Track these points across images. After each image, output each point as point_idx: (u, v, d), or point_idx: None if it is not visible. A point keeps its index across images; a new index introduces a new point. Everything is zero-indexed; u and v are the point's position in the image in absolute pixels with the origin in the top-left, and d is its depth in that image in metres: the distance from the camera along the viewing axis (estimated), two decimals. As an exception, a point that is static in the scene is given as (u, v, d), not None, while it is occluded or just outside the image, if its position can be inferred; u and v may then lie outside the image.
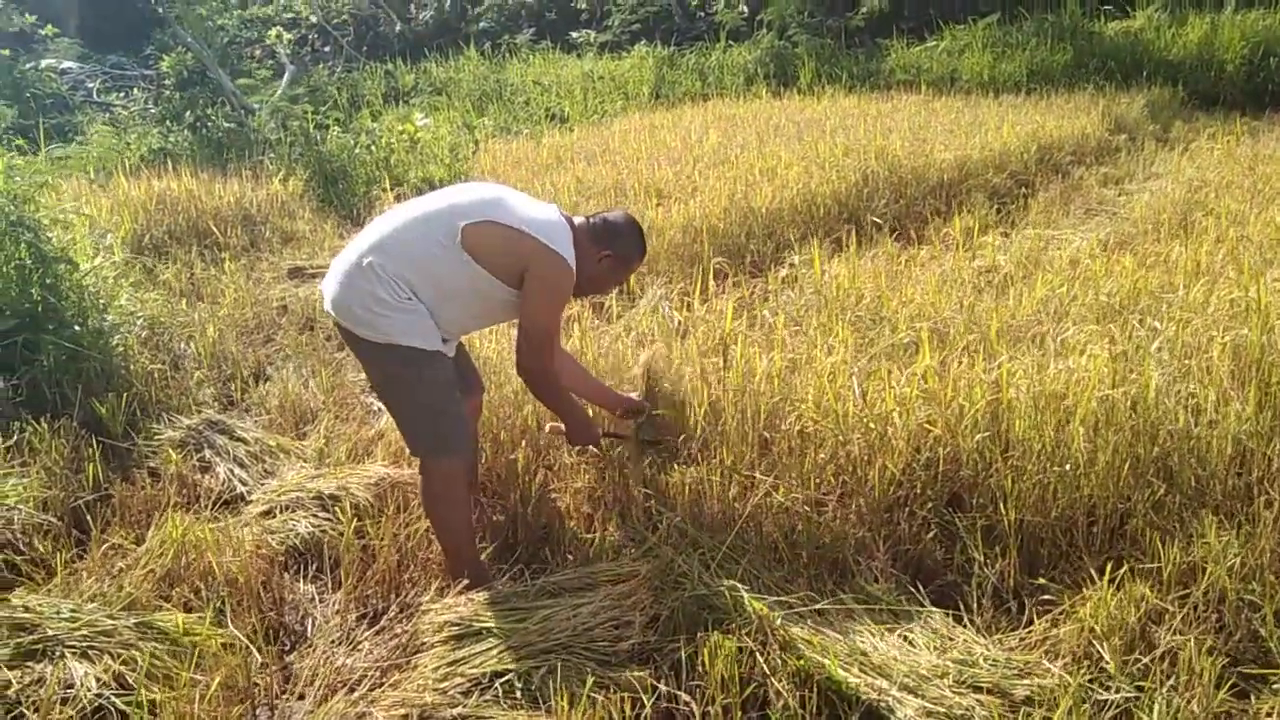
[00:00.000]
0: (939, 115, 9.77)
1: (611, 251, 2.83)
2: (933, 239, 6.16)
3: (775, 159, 7.47)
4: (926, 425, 2.86)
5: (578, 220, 2.84)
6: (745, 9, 15.88)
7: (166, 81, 12.78)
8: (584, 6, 17.32)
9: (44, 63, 13.43)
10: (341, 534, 3.02)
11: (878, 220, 5.77)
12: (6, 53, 12.55)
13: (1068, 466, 2.74)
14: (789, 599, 2.37)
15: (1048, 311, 3.81)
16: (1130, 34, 13.40)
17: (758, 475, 2.84)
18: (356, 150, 9.39)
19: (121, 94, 13.82)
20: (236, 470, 3.58)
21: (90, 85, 13.97)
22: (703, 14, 16.60)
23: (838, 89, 12.71)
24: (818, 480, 2.82)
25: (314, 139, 9.33)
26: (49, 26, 14.06)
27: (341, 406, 4.13)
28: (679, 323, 3.94)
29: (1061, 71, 12.58)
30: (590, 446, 3.07)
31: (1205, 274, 4.01)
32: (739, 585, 2.35)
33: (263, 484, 3.52)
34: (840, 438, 2.82)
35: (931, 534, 2.77)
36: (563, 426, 3.03)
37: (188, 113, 11.47)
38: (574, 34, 16.67)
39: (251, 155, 9.34)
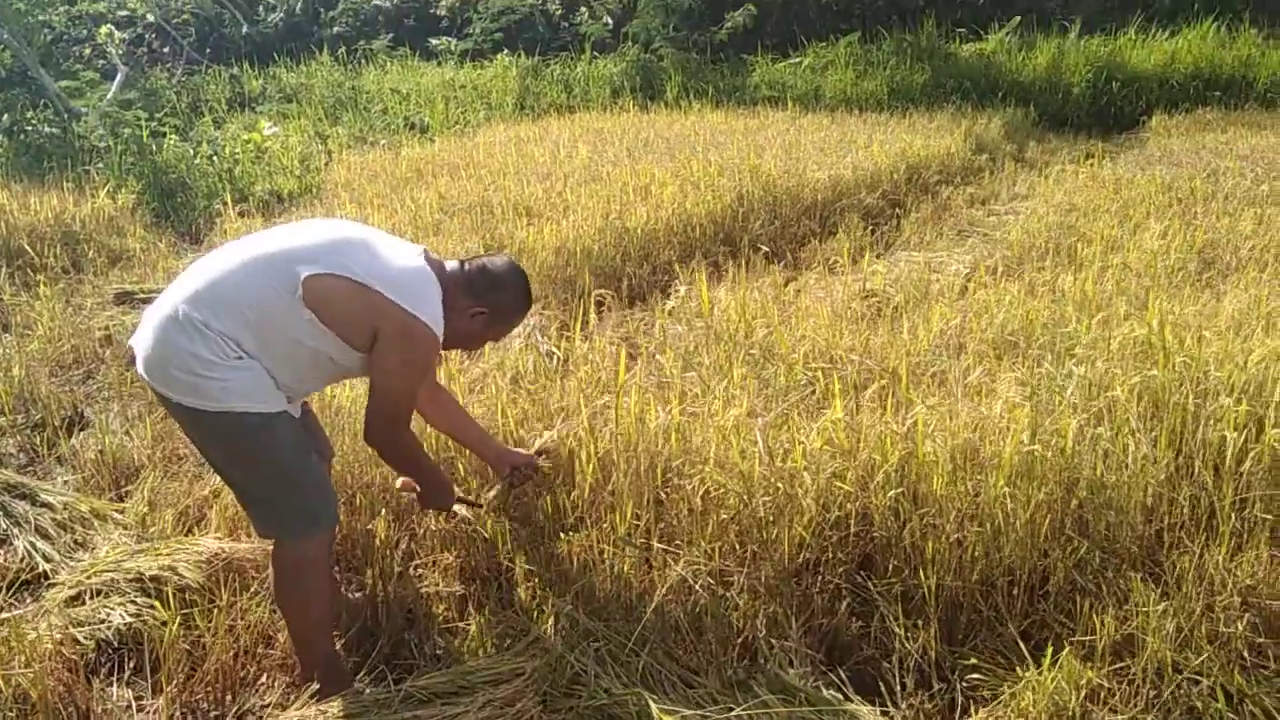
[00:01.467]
0: (808, 133, 9.73)
1: (487, 307, 2.44)
2: (811, 261, 6.01)
3: (649, 177, 7.21)
4: (836, 482, 2.60)
5: (450, 266, 2.44)
6: (609, 21, 15.67)
7: (-20, 81, 11.64)
8: (444, 13, 16.77)
9: None
10: (165, 625, 2.56)
11: (763, 247, 5.56)
12: None
13: (988, 526, 2.52)
14: (704, 712, 2.04)
15: (944, 345, 3.64)
16: (984, 56, 13.82)
17: (655, 544, 2.53)
18: (197, 160, 8.68)
19: (-72, 93, 12.51)
20: (39, 544, 3.04)
21: (-109, 83, 12.57)
22: (567, 24, 16.30)
23: (705, 104, 12.61)
24: (721, 546, 2.53)
25: (148, 148, 8.57)
26: None
27: (170, 460, 3.60)
28: (556, 359, 3.59)
29: (921, 91, 12.84)
30: (449, 511, 2.73)
31: (1094, 304, 3.93)
32: (644, 693, 2.02)
33: (71, 560, 2.99)
34: (745, 499, 2.53)
35: (845, 603, 2.51)
36: (416, 486, 2.65)
37: (4, 116, 10.44)
38: (434, 40, 16.09)
39: (76, 165, 8.50)
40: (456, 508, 2.74)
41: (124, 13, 14.56)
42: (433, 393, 2.76)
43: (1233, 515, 2.64)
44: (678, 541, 2.55)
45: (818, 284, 4.83)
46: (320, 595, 2.35)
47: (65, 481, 3.53)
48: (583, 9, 15.88)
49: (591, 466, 2.77)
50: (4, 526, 3.12)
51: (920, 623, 2.44)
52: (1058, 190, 6.97)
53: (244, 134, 9.57)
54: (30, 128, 9.92)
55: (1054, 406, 2.81)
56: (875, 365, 3.39)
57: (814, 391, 3.19)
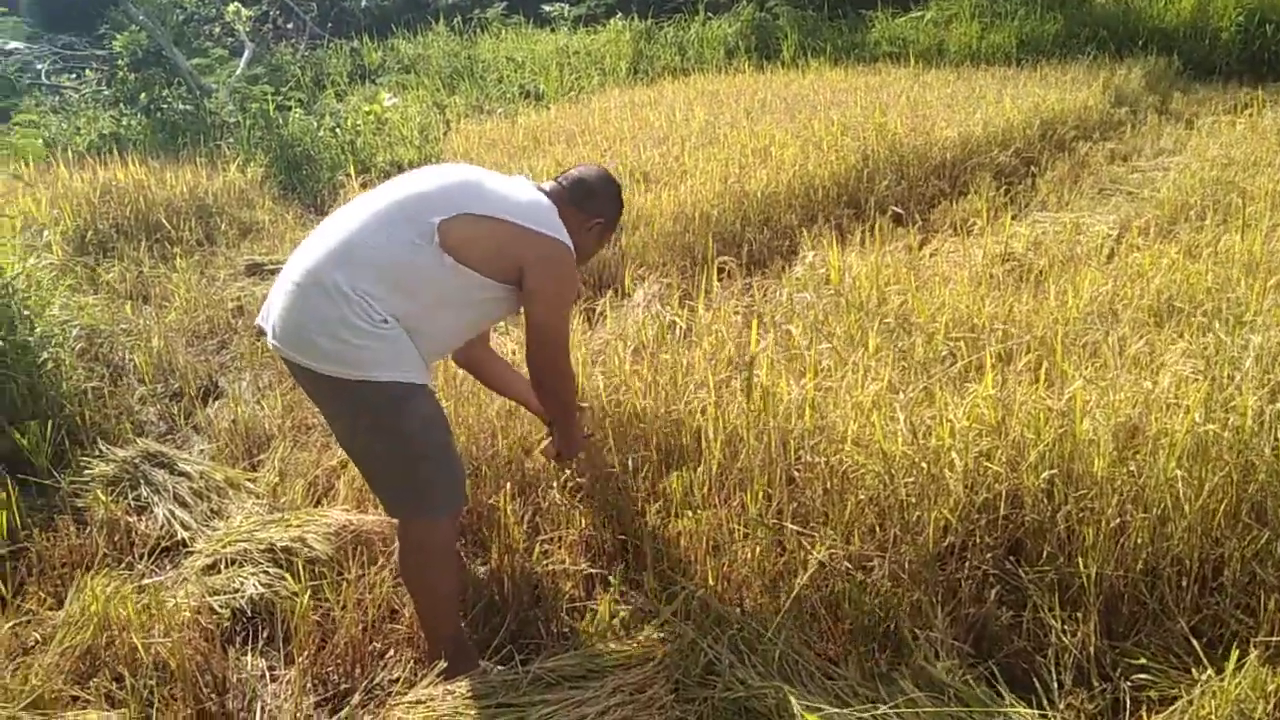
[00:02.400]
0: (933, 89, 9.32)
1: (602, 216, 2.55)
2: (941, 224, 5.74)
3: (768, 138, 7.00)
4: (984, 461, 2.42)
5: (548, 187, 2.51)
6: (724, -20, 15.32)
7: (120, 62, 12.11)
8: (557, -21, 16.69)
9: (-12, 43, 12.67)
10: (296, 596, 2.57)
11: (897, 209, 5.32)
12: (-55, 33, 11.83)
13: (1154, 512, 2.32)
14: (848, 710, 1.92)
15: (1096, 312, 3.39)
16: (1122, 2, 12.99)
17: (788, 525, 2.40)
18: (320, 133, 8.83)
19: (73, 75, 13.10)
20: (178, 512, 3.11)
21: (39, 66, 13.22)
22: (680, -15, 16.02)
23: (823, 62, 12.22)
24: (859, 529, 2.39)
25: (275, 121, 8.76)
26: (-5, 6, 13.35)
27: (299, 430, 3.65)
28: (678, 328, 3.48)
29: (1053, 41, 12.16)
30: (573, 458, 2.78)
31: (1265, 267, 3.60)
32: (783, 685, 1.91)
33: (208, 527, 3.05)
34: (886, 479, 2.38)
35: (994, 591, 2.35)
36: (552, 445, 2.67)
37: (142, 95, 10.84)
38: (547, 7, 16.03)
39: (208, 140, 8.77)
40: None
41: (250, -10, 14.96)
42: (483, 350, 2.82)
43: None
44: (812, 524, 2.42)
45: (952, 247, 4.58)
46: (446, 575, 2.30)
47: (201, 450, 3.60)
48: (696, -32, 15.56)
49: (719, 442, 2.66)
50: (146, 494, 3.20)
51: (1079, 615, 2.25)
52: (1211, 143, 6.47)
53: (365, 106, 9.70)
54: (166, 105, 10.28)
55: (1228, 380, 2.55)
56: (1022, 335, 3.17)
57: (956, 364, 3.00)
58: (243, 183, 7.56)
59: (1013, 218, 5.83)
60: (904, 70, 11.14)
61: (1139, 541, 2.34)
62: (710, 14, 14.78)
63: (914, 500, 2.39)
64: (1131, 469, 2.38)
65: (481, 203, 2.24)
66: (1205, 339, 2.98)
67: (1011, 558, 2.44)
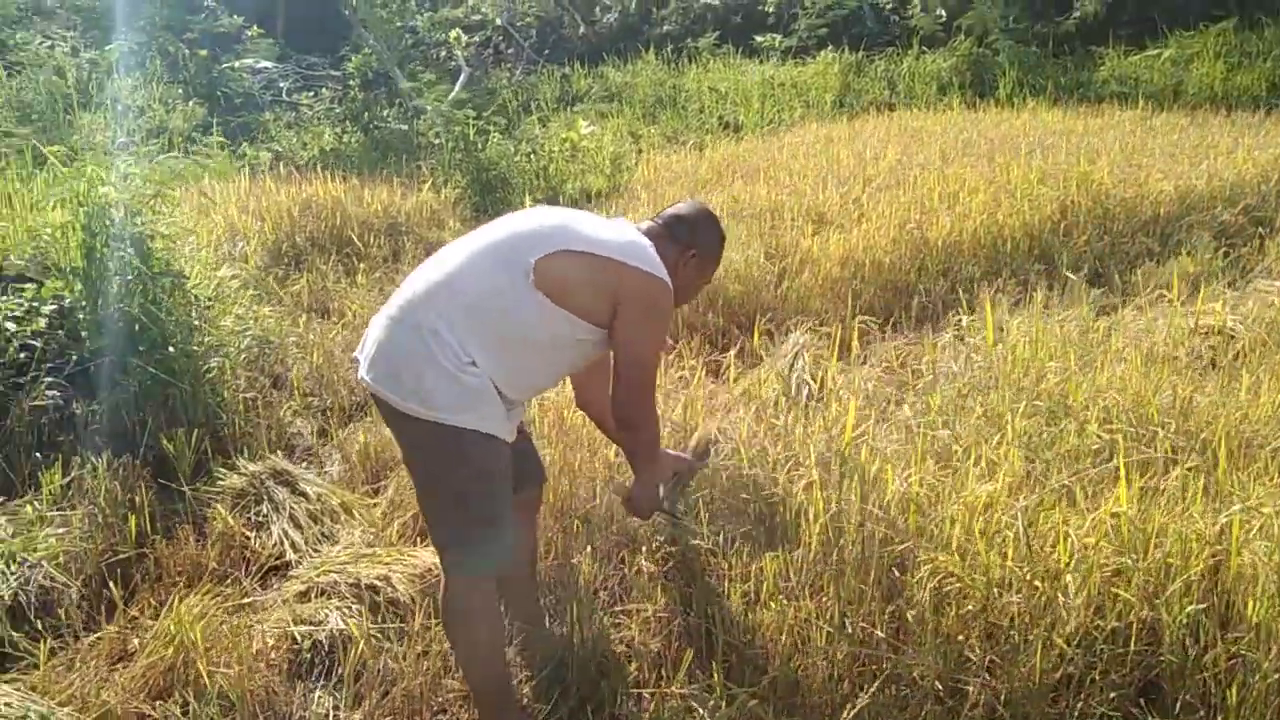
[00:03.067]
0: (1158, 135, 8.55)
1: (696, 248, 2.45)
2: (1140, 288, 5.19)
3: (959, 183, 6.61)
4: (1113, 586, 2.09)
5: (644, 226, 2.45)
6: (943, 13, 14.74)
7: (351, 82, 12.98)
8: (770, 9, 16.59)
9: (241, 62, 13.88)
10: (377, 634, 2.55)
11: (1084, 268, 4.86)
12: (204, 53, 13.05)
13: (1324, 670, 1.92)
14: None
15: (1294, 412, 2.92)
16: (1403, 43, 11.55)
17: (877, 634, 2.15)
18: (517, 158, 9.09)
19: (311, 94, 14.15)
20: (290, 532, 3.18)
21: (282, 85, 14.37)
22: (896, 18, 15.55)
23: (1041, 101, 11.49)
24: (957, 650, 2.11)
25: (474, 145, 9.09)
26: (254, 28, 14.63)
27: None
28: (809, 390, 3.26)
29: (1312, 85, 10.94)
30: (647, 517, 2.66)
31: None
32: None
33: (316, 551, 3.10)
34: (988, 597, 2.09)
35: (1113, 741, 2.02)
36: (628, 487, 2.57)
37: (366, 114, 11.56)
38: (759, 38, 15.95)
39: (413, 160, 9.20)
40: (658, 517, 2.66)
41: (476, 17, 15.71)
42: (600, 377, 2.60)
43: None
44: (903, 636, 2.16)
45: (1140, 316, 4.11)
46: (484, 633, 2.22)
47: (326, 471, 3.69)
48: (914, 1, 15.07)
49: (820, 526, 2.44)
50: (266, 511, 3.30)
51: (1214, 785, 1.90)
52: None
53: (563, 132, 9.92)
54: (383, 124, 10.90)
55: None
56: (1195, 432, 2.76)
57: (1109, 460, 2.64)
58: (435, 203, 7.86)
59: (1229, 284, 5.22)
60: (1130, 113, 10.31)
61: (1303, 704, 1.95)
62: (925, 48, 14.26)
63: (1025, 621, 2.09)
64: (1299, 616, 1.99)
65: (580, 240, 2.21)
66: None
67: (1143, 701, 2.10)
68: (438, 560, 2.79)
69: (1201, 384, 3.15)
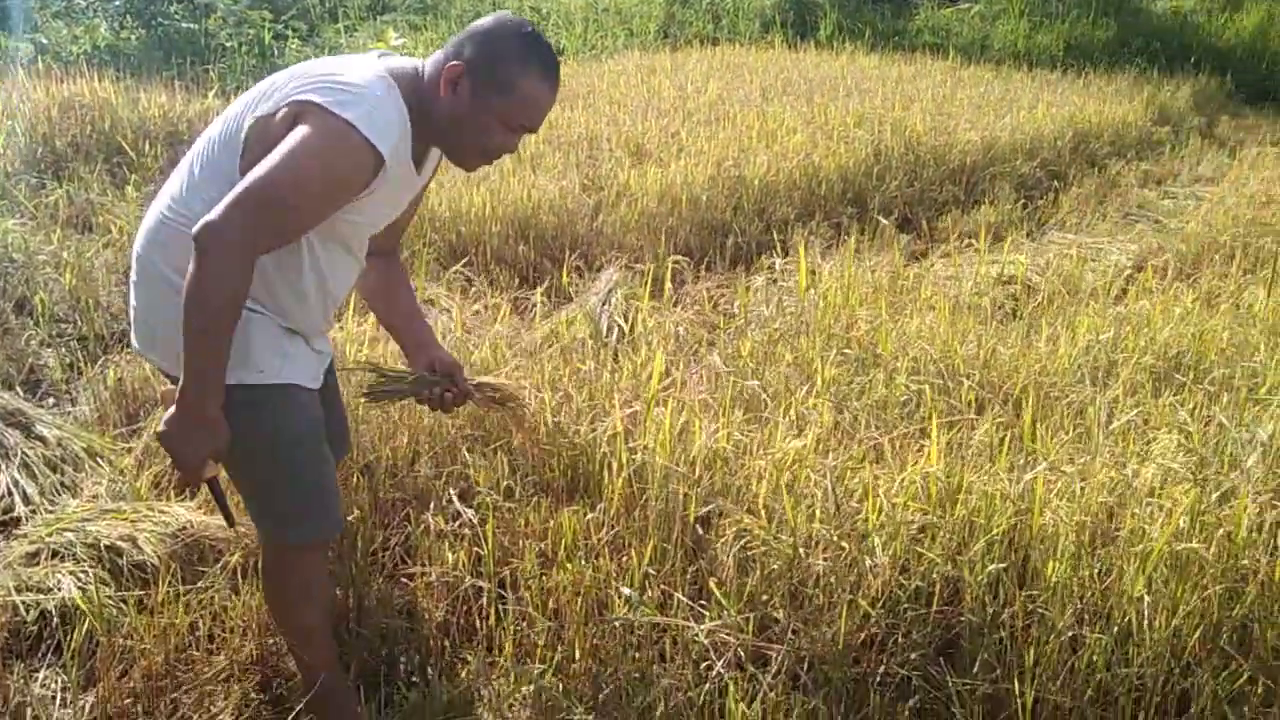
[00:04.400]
0: (966, 87, 8.81)
1: (461, 63, 1.68)
2: (950, 233, 5.30)
3: (778, 121, 6.55)
4: (918, 545, 2.03)
5: (434, 56, 1.75)
6: (769, -51, 14.70)
7: (133, -30, 11.68)
8: (597, -69, 16.09)
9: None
10: (116, 605, 2.22)
11: (894, 213, 4.87)
12: (-47, -78, 11.40)
13: (1114, 629, 1.92)
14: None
15: (1090, 363, 2.97)
16: (1180, 15, 12.38)
17: (678, 596, 2.01)
18: (318, 67, 8.42)
19: (86, -20, 12.66)
20: (22, 482, 2.75)
21: (50, -32, 12.77)
22: (724, -50, 15.41)
23: (859, 45, 11.67)
24: (761, 616, 2.00)
25: (269, 50, 8.35)
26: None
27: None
28: (618, 333, 3.08)
29: (1102, 48, 11.60)
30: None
31: (1290, 330, 3.17)
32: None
33: (53, 504, 2.69)
34: (791, 559, 1.99)
35: (912, 702, 1.96)
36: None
37: (149, 8, 10.42)
38: (583, -41, 15.47)
39: (202, 63, 8.35)
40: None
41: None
42: (382, 260, 2.07)
43: None
44: (701, 602, 2.02)
45: (949, 265, 4.16)
46: (310, 608, 1.93)
47: (72, 412, 3.24)
48: (742, -65, 14.95)
49: (621, 482, 2.27)
50: (-7, 457, 2.85)
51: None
52: (1253, 176, 5.99)
53: (371, 43, 9.26)
54: (167, 21, 9.86)
55: (1223, 479, 2.14)
56: (998, 384, 2.76)
57: (916, 410, 2.59)
58: (222, 110, 7.15)
59: (1027, 235, 5.40)
60: (942, 64, 10.60)
61: (1093, 662, 1.95)
62: (750, -17, 14.20)
63: (831, 582, 2.00)
64: (1093, 573, 1.98)
65: (271, 98, 1.64)
66: (1211, 417, 2.56)
67: (941, 660, 2.05)
68: (197, 517, 2.49)
69: (1004, 335, 3.17)
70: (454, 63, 1.67)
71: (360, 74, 1.63)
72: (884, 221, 4.72)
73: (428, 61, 1.74)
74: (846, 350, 2.89)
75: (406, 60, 1.76)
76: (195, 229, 1.52)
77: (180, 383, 1.59)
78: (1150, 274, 3.86)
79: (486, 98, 1.69)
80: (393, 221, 1.93)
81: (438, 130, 1.74)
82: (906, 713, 1.95)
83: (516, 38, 1.70)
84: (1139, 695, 1.96)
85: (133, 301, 1.79)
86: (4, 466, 2.80)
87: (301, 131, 1.56)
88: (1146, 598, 1.88)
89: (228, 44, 8.95)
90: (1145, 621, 1.93)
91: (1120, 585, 1.95)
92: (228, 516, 1.96)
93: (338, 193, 1.63)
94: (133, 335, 1.84)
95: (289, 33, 8.70)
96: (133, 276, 1.79)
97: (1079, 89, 9.30)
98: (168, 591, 2.15)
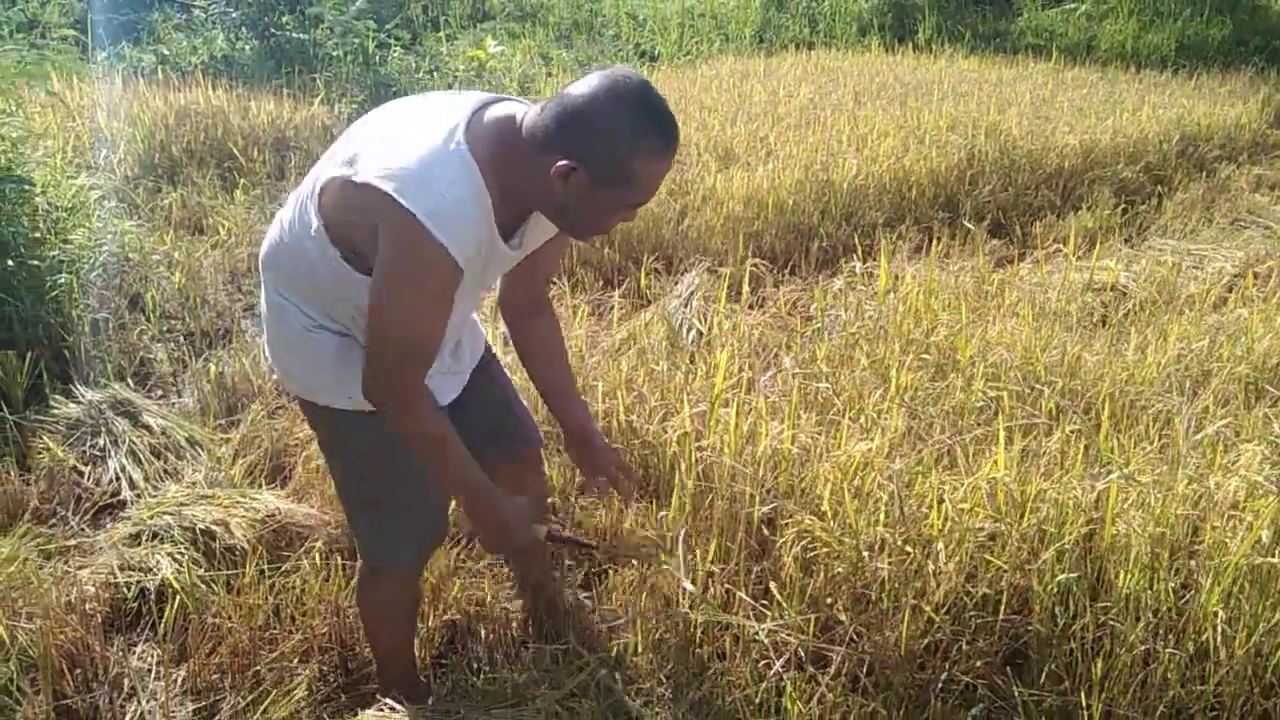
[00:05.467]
0: (1068, 89, 8.57)
1: (572, 158, 1.49)
2: (1043, 239, 5.17)
3: (869, 126, 6.48)
4: (986, 552, 2.01)
5: (531, 115, 1.54)
6: (867, -48, 14.52)
7: (249, -17, 12.18)
8: (695, -63, 16.13)
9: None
10: (206, 585, 2.35)
11: (962, 223, 4.78)
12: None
13: (1189, 645, 1.87)
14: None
15: (1180, 372, 2.88)
16: (1303, 10, 11.80)
17: (740, 595, 2.03)
18: (419, 74, 8.67)
19: (204, -7, 13.25)
20: (130, 468, 2.92)
21: (173, -18, 13.42)
22: (821, -46, 15.29)
23: (959, 48, 11.45)
24: (823, 616, 2.00)
25: (372, 58, 8.62)
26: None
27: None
28: (696, 335, 3.11)
29: (1217, 48, 11.11)
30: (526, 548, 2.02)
31: (1401, 342, 3.02)
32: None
33: (156, 489, 2.85)
34: (856, 562, 1.99)
35: (977, 710, 1.94)
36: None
37: (263, 19, 10.87)
38: (682, -35, 15.53)
39: (310, 72, 8.68)
40: (542, 538, 1.96)
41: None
42: (532, 318, 1.98)
43: None
44: (763, 602, 2.04)
45: (1037, 271, 4.06)
46: (395, 624, 2.00)
47: (176, 403, 3.42)
48: (840, -62, 14.80)
49: (693, 482, 2.30)
50: (104, 444, 3.03)
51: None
52: (1375, 181, 5.68)
53: (470, 50, 9.49)
54: (279, 32, 10.26)
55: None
56: (1080, 392, 2.70)
57: (994, 418, 2.55)
58: (327, 118, 7.42)
59: (1126, 241, 5.23)
60: (1044, 66, 10.32)
61: (1167, 678, 1.90)
62: (848, -14, 14.06)
63: (895, 587, 1.99)
64: (1169, 589, 1.92)
65: (358, 156, 1.53)
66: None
67: (1009, 670, 2.03)
68: (285, 505, 2.61)
69: (1090, 342, 3.09)
70: (563, 162, 1.48)
71: (430, 144, 1.51)
72: (971, 227, 4.62)
73: (526, 121, 1.54)
74: (925, 355, 2.86)
75: (502, 110, 1.58)
76: (363, 392, 1.59)
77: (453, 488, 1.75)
78: (1251, 281, 3.71)
79: (607, 192, 1.53)
80: (530, 271, 1.87)
81: (544, 210, 1.62)
82: (970, 718, 1.93)
83: (629, 115, 1.48)
84: (1215, 715, 1.90)
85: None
86: (113, 453, 2.98)
87: (383, 255, 1.50)
88: (1221, 613, 1.82)
89: (334, 53, 9.28)
90: (1222, 638, 1.87)
91: (1197, 600, 1.89)
92: (584, 547, 2.16)
93: (445, 303, 1.56)
94: (267, 358, 1.90)
95: (392, 41, 8.96)
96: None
97: (1189, 90, 8.94)
98: (254, 573, 2.26)
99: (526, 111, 1.56)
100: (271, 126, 6.96)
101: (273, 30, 10.47)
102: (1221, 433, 2.43)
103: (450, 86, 8.54)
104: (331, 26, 9.33)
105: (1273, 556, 1.86)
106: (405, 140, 1.52)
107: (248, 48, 10.35)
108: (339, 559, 2.33)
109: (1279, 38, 11.10)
